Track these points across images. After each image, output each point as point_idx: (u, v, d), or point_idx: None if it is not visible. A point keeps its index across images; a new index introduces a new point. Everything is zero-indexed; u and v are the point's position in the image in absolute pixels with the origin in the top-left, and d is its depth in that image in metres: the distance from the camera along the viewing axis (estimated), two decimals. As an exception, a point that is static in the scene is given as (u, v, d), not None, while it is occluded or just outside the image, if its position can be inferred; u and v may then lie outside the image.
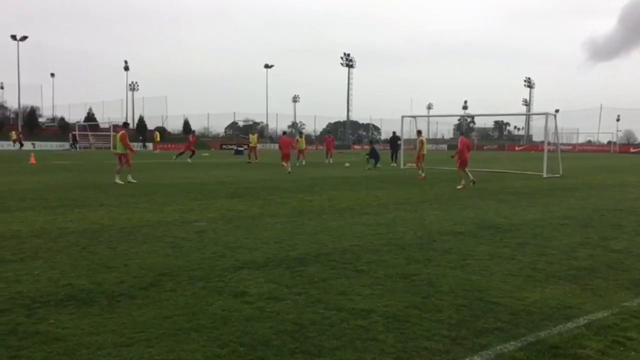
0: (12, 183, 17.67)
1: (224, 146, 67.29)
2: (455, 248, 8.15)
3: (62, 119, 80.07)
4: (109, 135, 64.10)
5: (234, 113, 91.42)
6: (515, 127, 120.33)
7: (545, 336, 4.59)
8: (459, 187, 17.55)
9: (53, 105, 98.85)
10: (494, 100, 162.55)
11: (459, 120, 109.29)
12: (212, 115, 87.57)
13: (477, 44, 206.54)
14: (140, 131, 70.29)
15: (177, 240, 8.39)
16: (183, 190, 15.92)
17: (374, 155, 30.06)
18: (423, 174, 22.47)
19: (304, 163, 31.09)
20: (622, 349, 4.36)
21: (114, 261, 6.98)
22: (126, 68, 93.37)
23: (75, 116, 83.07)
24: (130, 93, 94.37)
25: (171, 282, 6.04)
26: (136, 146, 61.91)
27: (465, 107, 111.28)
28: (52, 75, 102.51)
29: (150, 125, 77.47)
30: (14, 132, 58.42)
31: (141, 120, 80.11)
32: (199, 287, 5.86)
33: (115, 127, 64.91)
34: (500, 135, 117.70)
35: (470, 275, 6.59)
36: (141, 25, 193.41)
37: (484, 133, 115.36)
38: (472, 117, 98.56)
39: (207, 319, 4.88)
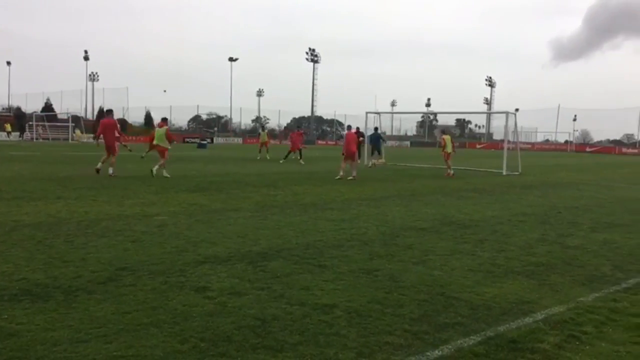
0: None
1: (187, 139, 66.48)
2: (418, 244, 8.24)
3: (19, 108, 77.77)
4: (67, 126, 62.65)
5: (197, 106, 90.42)
6: (476, 125, 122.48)
7: (504, 331, 4.67)
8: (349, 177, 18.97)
9: (9, 94, 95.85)
10: (456, 98, 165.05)
11: (422, 117, 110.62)
12: (174, 107, 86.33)
13: (441, 42, 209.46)
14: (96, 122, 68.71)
15: (137, 234, 8.23)
16: (144, 183, 15.65)
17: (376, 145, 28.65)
18: (451, 172, 22.40)
19: (268, 157, 30.96)
20: (577, 343, 4.47)
21: (71, 255, 6.80)
22: (86, 58, 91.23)
23: (33, 106, 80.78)
24: (90, 83, 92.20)
25: (131, 277, 5.92)
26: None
27: (428, 105, 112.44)
28: (9, 63, 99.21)
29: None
30: None
31: (101, 112, 78.43)
32: (159, 282, 5.76)
33: (73, 118, 63.51)
34: (461, 133, 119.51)
35: (431, 270, 6.66)
36: (102, 15, 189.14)
37: (447, 129, 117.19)
38: (435, 114, 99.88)
39: (168, 314, 4.80)
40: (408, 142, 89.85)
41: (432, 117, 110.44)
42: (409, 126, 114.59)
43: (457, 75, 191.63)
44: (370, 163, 26.63)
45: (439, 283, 6.09)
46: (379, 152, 31.75)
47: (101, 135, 18.02)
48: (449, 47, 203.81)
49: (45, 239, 7.69)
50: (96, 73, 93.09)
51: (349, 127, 34.54)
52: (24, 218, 9.32)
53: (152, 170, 17.58)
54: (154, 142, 19.08)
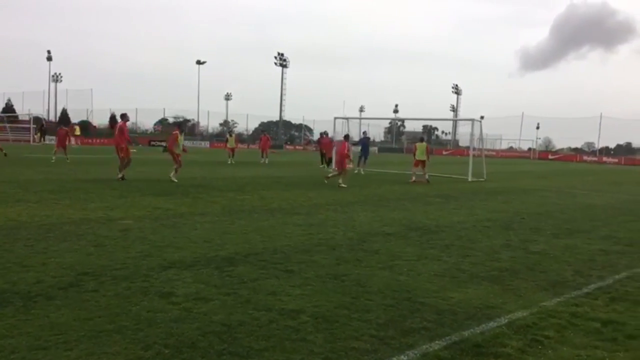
0: None
1: (153, 143, 65.55)
2: (384, 249, 8.28)
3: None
4: (29, 128, 61.14)
5: (164, 109, 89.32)
6: (443, 132, 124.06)
7: (469, 335, 4.72)
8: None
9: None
10: (423, 105, 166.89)
11: (390, 123, 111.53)
12: (140, 110, 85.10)
13: (410, 50, 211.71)
14: (63, 124, 67.19)
15: (100, 239, 8.06)
16: (108, 187, 15.36)
17: (364, 151, 28.46)
18: (426, 176, 22.31)
19: (232, 162, 30.71)
20: (540, 347, 4.55)
21: (31, 260, 6.62)
22: (49, 58, 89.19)
23: (-7, 107, 78.64)
24: (53, 84, 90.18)
25: (93, 282, 5.79)
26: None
27: (396, 111, 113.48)
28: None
29: (75, 119, 74.42)
30: None
31: (64, 114, 76.85)
32: (122, 287, 5.65)
33: (35, 119, 62.00)
34: (428, 139, 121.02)
35: (398, 275, 6.70)
36: (67, 14, 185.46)
37: (413, 136, 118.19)
38: (403, 120, 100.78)
39: (131, 320, 4.71)
40: (376, 148, 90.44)
41: (399, 123, 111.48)
42: (377, 132, 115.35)
43: (425, 82, 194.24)
44: (357, 169, 26.30)
45: (406, 288, 6.13)
46: (365, 159, 31.94)
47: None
48: (418, 55, 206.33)
49: (4, 243, 7.47)
50: (59, 74, 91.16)
51: (326, 133, 34.61)
52: (-19, 221, 9.04)
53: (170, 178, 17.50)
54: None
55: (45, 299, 5.16)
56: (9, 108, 76.00)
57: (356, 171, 27.00)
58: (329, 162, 27.18)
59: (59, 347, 4.06)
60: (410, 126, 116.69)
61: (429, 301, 5.67)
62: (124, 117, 18.15)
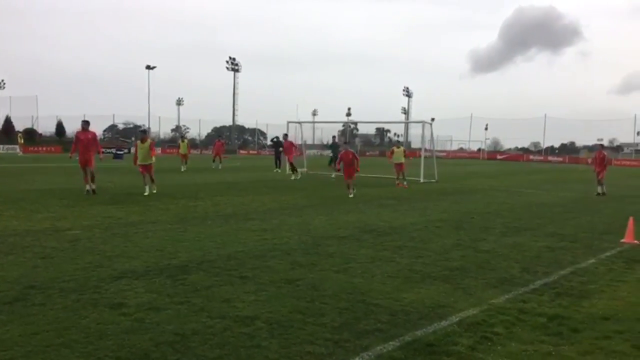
0: None
1: (103, 150, 64.00)
2: (339, 252, 8.34)
3: None
4: (-30, 137, 58.71)
5: (114, 115, 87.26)
6: (395, 134, 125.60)
7: (421, 335, 4.81)
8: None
9: None
10: (376, 108, 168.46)
11: (343, 126, 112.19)
12: (88, 116, 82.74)
13: (362, 53, 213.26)
14: (5, 133, 64.96)
15: (47, 250, 7.83)
16: (55, 196, 14.91)
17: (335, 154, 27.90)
18: (405, 182, 22.28)
19: (185, 169, 29.60)
20: (489, 343, 4.68)
21: (-27, 275, 6.36)
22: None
23: None
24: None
25: (40, 296, 5.62)
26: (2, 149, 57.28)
27: (349, 114, 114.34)
28: None
29: (19, 127, 71.86)
30: None
31: (7, 121, 74.10)
32: (71, 300, 5.51)
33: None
34: (381, 142, 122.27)
35: (352, 278, 6.76)
36: (9, 18, 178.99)
37: (367, 139, 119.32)
38: (356, 123, 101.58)
39: (80, 333, 4.60)
40: (329, 151, 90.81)
41: (352, 126, 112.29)
42: (330, 135, 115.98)
43: (377, 85, 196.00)
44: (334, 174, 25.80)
45: (360, 290, 6.19)
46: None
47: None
48: (369, 58, 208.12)
49: (-57, 258, 7.16)
50: (2, 80, 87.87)
51: (285, 135, 34.44)
52: None
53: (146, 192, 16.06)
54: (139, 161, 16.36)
55: (-11, 315, 4.98)
56: (-54, 116, 72.67)
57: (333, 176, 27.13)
58: (293, 168, 25.77)
59: (4, 365, 3.93)
60: (363, 129, 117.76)
61: (382, 302, 5.75)
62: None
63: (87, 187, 15.59)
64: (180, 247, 8.33)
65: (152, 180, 16.42)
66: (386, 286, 6.42)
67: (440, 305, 5.74)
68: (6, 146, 58.87)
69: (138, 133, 17.42)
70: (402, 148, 23.64)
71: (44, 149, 61.61)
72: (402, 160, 22.70)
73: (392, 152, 23.22)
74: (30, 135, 68.63)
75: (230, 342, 4.51)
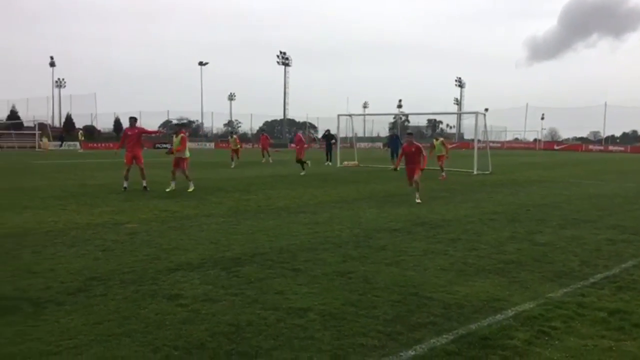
0: None
1: (158, 145, 65.73)
2: (391, 245, 8.30)
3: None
4: (34, 135, 61.44)
5: (168, 111, 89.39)
6: (447, 125, 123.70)
7: (476, 328, 4.74)
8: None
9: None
10: (427, 99, 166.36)
11: (394, 118, 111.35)
12: (144, 113, 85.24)
13: (414, 43, 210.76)
14: (65, 130, 67.65)
15: (107, 243, 8.12)
16: (113, 191, 15.42)
17: (394, 146, 28.01)
18: (443, 174, 21.88)
19: (232, 165, 28.30)
20: (547, 338, 4.56)
21: (39, 266, 6.67)
22: (52, 64, 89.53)
23: (-2, 114, 78.81)
24: (56, 90, 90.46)
25: (101, 287, 5.83)
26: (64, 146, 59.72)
27: (400, 106, 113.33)
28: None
29: (79, 124, 74.66)
30: None
31: (68, 119, 77.10)
32: (131, 291, 5.69)
33: (40, 125, 62.31)
34: (433, 133, 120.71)
35: (405, 271, 6.72)
36: (69, 21, 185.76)
37: (418, 131, 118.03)
38: (407, 115, 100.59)
39: (140, 323, 4.75)
40: (381, 144, 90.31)
41: (403, 118, 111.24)
42: (381, 128, 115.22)
43: (429, 76, 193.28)
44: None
45: (412, 283, 6.15)
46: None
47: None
48: (421, 49, 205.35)
49: (12, 250, 7.53)
50: (63, 79, 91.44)
51: (328, 132, 34.42)
52: (-10, 229, 9.10)
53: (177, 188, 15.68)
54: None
55: (54, 305, 5.21)
56: (13, 115, 76.15)
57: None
58: (301, 164, 24.15)
59: (69, 352, 4.10)
60: (414, 121, 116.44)
61: (435, 296, 5.69)
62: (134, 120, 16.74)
63: (125, 184, 15.54)
64: (234, 240, 8.48)
65: (187, 177, 15.77)
66: (439, 279, 6.35)
67: (495, 298, 5.63)
68: (67, 143, 61.23)
69: (173, 126, 16.53)
70: (440, 139, 23.28)
71: (103, 145, 63.81)
72: (443, 152, 22.41)
73: (433, 146, 22.88)
74: (90, 132, 71.18)
75: (284, 333, 4.57)
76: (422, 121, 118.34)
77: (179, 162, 15.89)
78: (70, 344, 4.27)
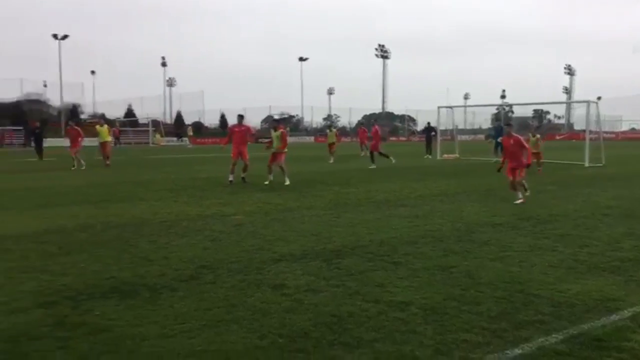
0: (57, 178, 18.19)
1: (260, 140, 67.75)
2: (494, 240, 8.05)
3: (103, 115, 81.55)
4: (147, 131, 65.43)
5: (270, 106, 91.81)
6: (555, 115, 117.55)
7: (588, 329, 4.50)
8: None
9: (94, 102, 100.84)
10: (533, 89, 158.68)
11: (497, 109, 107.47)
12: (248, 109, 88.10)
13: (515, 31, 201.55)
14: (177, 127, 71.59)
15: (215, 234, 8.51)
16: (220, 184, 16.12)
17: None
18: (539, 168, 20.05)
19: (330, 161, 27.15)
20: (669, 342, 4.24)
21: (155, 254, 7.13)
22: (164, 64, 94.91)
23: (115, 112, 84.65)
24: (168, 89, 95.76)
25: (211, 275, 6.14)
26: (175, 141, 63.15)
27: (503, 96, 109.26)
28: (93, 72, 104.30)
29: (188, 120, 78.62)
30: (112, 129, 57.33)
31: (179, 116, 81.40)
32: (238, 280, 5.95)
33: (153, 122, 66.31)
34: (540, 125, 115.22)
35: (509, 267, 6.50)
36: (177, 21, 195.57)
37: (523, 122, 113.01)
38: (511, 106, 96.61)
39: (247, 310, 4.96)
40: (483, 136, 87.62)
41: (507, 109, 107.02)
42: (483, 120, 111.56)
43: (534, 65, 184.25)
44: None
45: (518, 280, 5.93)
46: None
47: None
48: (524, 36, 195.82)
49: (130, 239, 8.10)
50: (174, 78, 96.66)
51: (428, 124, 33.82)
52: (110, 219, 9.84)
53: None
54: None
55: (169, 291, 5.56)
56: (129, 113, 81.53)
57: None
58: (381, 154, 23.40)
59: (183, 336, 4.36)
60: (519, 111, 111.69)
61: (543, 293, 5.46)
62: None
63: (231, 177, 16.12)
64: (335, 232, 8.60)
65: (283, 171, 15.92)
66: (547, 276, 6.08)
67: (609, 298, 5.31)
68: (178, 138, 64.72)
69: (271, 122, 16.15)
70: (537, 136, 21.31)
71: (210, 140, 66.71)
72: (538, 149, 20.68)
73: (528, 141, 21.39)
74: (198, 128, 74.71)
75: (385, 325, 4.58)
76: (527, 112, 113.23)
77: (276, 157, 16.20)
78: (184, 327, 4.54)
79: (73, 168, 22.11)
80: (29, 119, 58.28)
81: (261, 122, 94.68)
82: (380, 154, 23.42)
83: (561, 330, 4.47)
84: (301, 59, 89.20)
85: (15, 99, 77.26)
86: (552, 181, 16.80)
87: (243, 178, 16.40)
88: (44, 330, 4.46)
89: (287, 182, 15.69)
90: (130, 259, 6.87)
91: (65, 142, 27.75)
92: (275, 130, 16.51)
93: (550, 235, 8.32)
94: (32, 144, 32.96)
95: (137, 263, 6.68)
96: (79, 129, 24.19)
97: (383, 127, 28.05)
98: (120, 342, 4.22)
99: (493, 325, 4.58)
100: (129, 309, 5.01)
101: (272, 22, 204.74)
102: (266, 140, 19.13)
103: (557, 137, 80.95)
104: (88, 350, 4.07)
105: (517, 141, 11.99)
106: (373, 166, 22.57)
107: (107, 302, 5.20)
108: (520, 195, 11.91)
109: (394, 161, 23.70)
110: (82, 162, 22.51)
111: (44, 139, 32.40)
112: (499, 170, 12.77)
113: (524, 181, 12.03)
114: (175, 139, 63.48)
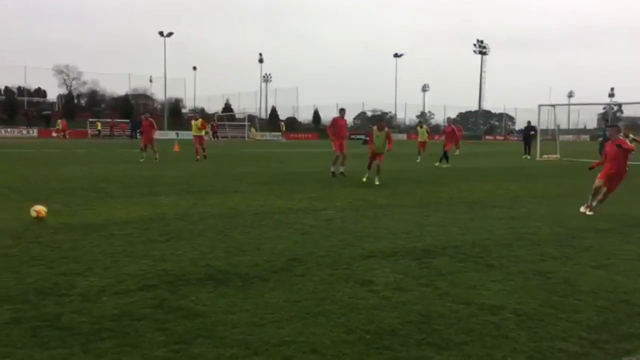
0: (160, 170, 19.20)
1: (353, 136, 67.95)
2: (597, 246, 7.60)
3: (202, 109, 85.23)
4: (244, 125, 67.53)
5: (363, 103, 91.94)
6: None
7: (702, 347, 4.14)
8: None
9: (194, 97, 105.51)
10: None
11: (604, 108, 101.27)
12: (341, 105, 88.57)
13: (626, 24, 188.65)
14: (273, 121, 73.40)
15: (306, 227, 8.63)
16: (313, 178, 16.33)
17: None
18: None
19: (417, 160, 26.21)
20: None
21: (248, 245, 7.34)
22: (260, 60, 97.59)
23: (214, 106, 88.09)
24: (264, 84, 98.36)
25: (300, 268, 6.23)
26: (268, 136, 64.70)
27: (611, 95, 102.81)
28: (194, 68, 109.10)
29: (283, 116, 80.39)
30: (208, 124, 59.94)
31: (273, 111, 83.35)
32: (326, 274, 6.00)
33: (249, 117, 68.26)
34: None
35: (613, 275, 6.11)
36: (273, 18, 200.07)
37: (633, 123, 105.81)
38: (620, 105, 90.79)
39: (335, 305, 4.99)
40: (587, 136, 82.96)
41: (615, 108, 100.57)
42: (589, 119, 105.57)
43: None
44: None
45: (622, 290, 5.56)
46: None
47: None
48: (632, 30, 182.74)
49: (225, 229, 8.39)
50: (269, 74, 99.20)
51: (530, 123, 32.55)
52: (208, 210, 10.25)
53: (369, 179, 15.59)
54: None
55: (260, 281, 5.71)
56: (227, 108, 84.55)
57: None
58: (445, 158, 23.13)
59: (272, 325, 4.46)
60: (629, 111, 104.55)
61: (651, 305, 5.09)
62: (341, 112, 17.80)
63: (333, 169, 16.78)
64: (425, 231, 8.46)
65: (379, 170, 15.39)
66: (656, 287, 5.66)
67: None
68: (272, 133, 66.30)
69: (377, 121, 15.38)
70: (631, 136, 19.12)
71: (303, 135, 67.79)
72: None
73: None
74: (291, 123, 76.18)
75: (476, 329, 4.45)
76: (638, 112, 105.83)
77: (377, 156, 15.59)
78: (273, 317, 4.64)
79: (155, 160, 22.51)
80: (135, 113, 62.00)
81: (354, 119, 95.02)
82: (446, 153, 23.19)
83: (670, 346, 4.14)
84: (396, 55, 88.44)
85: (124, 93, 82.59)
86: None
87: (342, 172, 16.67)
88: (145, 312, 4.71)
89: (378, 182, 15.21)
90: (225, 248, 7.11)
91: (168, 135, 29.14)
92: (380, 130, 15.67)
93: (660, 244, 7.74)
94: (138, 136, 34.87)
95: (231, 252, 6.91)
96: (152, 120, 24.74)
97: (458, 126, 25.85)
98: (213, 328, 4.38)
99: (593, 336, 4.33)
100: (222, 296, 5.19)
101: (368, 18, 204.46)
102: (367, 138, 19.30)
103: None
104: (184, 333, 4.26)
105: (621, 144, 10.13)
106: (438, 164, 22.81)
107: (202, 288, 5.42)
108: (594, 204, 10.26)
109: (437, 164, 22.97)
110: (157, 154, 23.05)
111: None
112: (590, 169, 11.44)
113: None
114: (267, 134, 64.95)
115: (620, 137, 10.56)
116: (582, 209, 10.07)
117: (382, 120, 16.05)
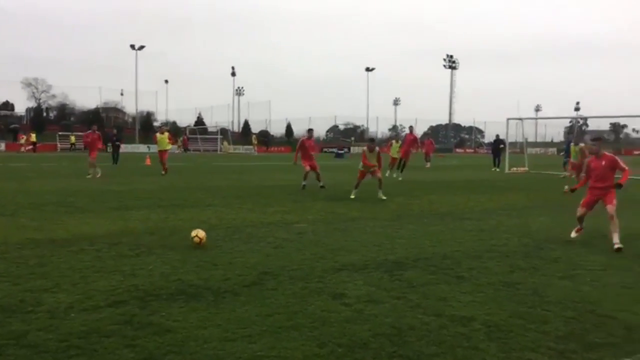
0: (130, 183, 18.95)
1: (325, 149, 68.17)
2: (564, 257, 7.75)
3: (174, 123, 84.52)
4: (216, 139, 67.21)
5: (335, 116, 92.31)
6: (633, 129, 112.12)
7: (665, 355, 4.25)
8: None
9: (166, 110, 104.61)
10: (610, 101, 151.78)
11: (570, 122, 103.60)
12: (313, 118, 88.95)
13: (591, 41, 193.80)
14: (245, 134, 73.31)
15: (278, 241, 8.62)
16: (285, 192, 16.32)
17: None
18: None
19: (394, 175, 24.55)
20: None
21: (219, 259, 7.29)
22: (233, 74, 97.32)
23: (186, 120, 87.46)
24: (236, 98, 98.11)
25: (273, 281, 6.22)
26: (241, 149, 64.57)
27: (577, 109, 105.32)
28: (166, 81, 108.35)
29: (255, 129, 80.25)
30: (179, 138, 59.19)
31: (246, 124, 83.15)
32: (299, 287, 5.99)
33: (221, 130, 68.05)
34: (616, 139, 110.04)
35: (580, 286, 6.24)
36: (246, 31, 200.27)
37: (599, 136, 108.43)
38: (585, 119, 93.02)
39: (307, 318, 4.98)
40: (554, 149, 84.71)
41: (581, 121, 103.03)
42: (555, 132, 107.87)
43: (612, 76, 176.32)
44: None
45: (589, 300, 5.69)
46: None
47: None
48: (598, 47, 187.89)
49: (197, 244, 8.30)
50: (242, 88, 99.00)
51: (498, 136, 33.06)
52: (179, 224, 10.15)
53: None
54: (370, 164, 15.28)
55: (232, 295, 5.67)
56: (199, 121, 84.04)
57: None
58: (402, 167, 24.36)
59: (244, 340, 4.44)
60: (594, 124, 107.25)
61: (616, 315, 5.21)
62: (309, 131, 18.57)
63: (304, 182, 17.20)
64: (397, 244, 8.52)
65: (380, 184, 15.16)
66: (621, 297, 5.80)
67: (689, 323, 5.00)
68: (244, 147, 66.15)
69: (368, 141, 15.01)
70: (580, 145, 19.08)
71: (275, 149, 67.79)
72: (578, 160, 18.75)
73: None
74: (265, 136, 76.10)
75: (447, 340, 4.50)
76: (603, 125, 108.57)
77: (373, 173, 15.17)
78: (245, 332, 4.61)
79: (88, 176, 20.84)
80: (106, 126, 61.14)
81: (326, 132, 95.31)
82: (404, 163, 24.08)
83: (634, 354, 4.26)
84: (367, 69, 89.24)
85: (94, 106, 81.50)
86: (630, 199, 15.98)
87: (322, 186, 17.14)
88: (114, 328, 4.64)
89: (384, 197, 14.84)
90: (196, 263, 7.05)
91: (139, 148, 28.73)
92: (371, 151, 15.33)
93: (626, 255, 7.94)
94: (109, 149, 34.41)
95: (203, 267, 6.85)
96: (99, 133, 23.16)
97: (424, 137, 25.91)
98: (184, 344, 4.34)
99: (560, 346, 4.41)
100: (193, 311, 5.14)
101: (339, 32, 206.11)
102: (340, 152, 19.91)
103: (635, 152, 76.99)
104: (154, 350, 4.21)
105: (611, 160, 8.89)
106: (400, 177, 23.16)
107: (173, 303, 5.36)
108: (616, 238, 8.43)
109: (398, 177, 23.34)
110: (99, 169, 21.38)
111: (120, 145, 33.59)
112: (572, 191, 9.95)
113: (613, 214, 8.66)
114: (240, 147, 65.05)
115: (607, 154, 9.09)
116: (573, 234, 9.41)
117: (373, 141, 15.96)
